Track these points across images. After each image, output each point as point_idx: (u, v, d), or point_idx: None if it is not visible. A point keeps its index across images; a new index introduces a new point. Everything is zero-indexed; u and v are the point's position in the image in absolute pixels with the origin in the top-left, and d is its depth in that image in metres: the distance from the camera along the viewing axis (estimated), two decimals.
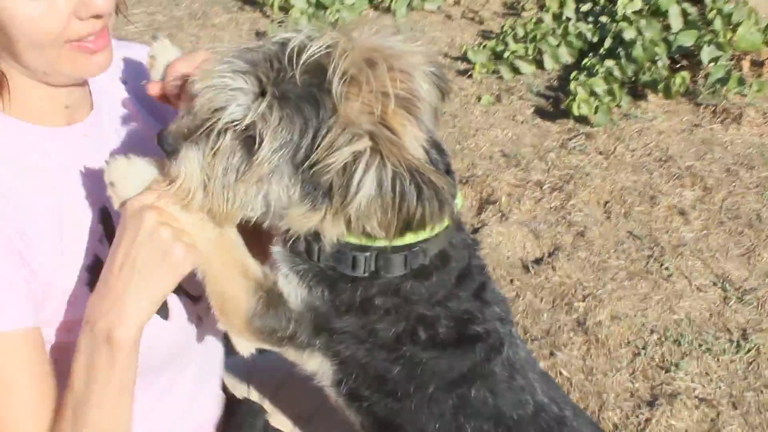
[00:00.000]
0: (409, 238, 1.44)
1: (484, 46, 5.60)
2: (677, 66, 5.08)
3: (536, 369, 1.64)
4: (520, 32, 5.58)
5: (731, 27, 5.13)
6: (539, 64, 5.40)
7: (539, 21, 5.67)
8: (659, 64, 4.95)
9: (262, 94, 1.32)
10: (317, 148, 1.31)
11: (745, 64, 5.11)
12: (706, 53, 4.94)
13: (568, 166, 4.48)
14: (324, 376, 1.59)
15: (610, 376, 3.24)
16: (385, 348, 1.51)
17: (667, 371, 3.25)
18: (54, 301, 1.48)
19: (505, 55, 5.43)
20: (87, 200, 1.57)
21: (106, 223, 1.58)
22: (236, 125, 1.34)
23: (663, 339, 3.38)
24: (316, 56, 1.31)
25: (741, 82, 4.80)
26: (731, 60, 5.01)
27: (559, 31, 5.50)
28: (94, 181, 1.55)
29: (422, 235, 1.45)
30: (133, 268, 1.36)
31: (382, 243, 1.43)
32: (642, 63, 4.95)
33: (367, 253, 1.44)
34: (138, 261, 1.36)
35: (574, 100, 4.76)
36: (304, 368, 1.61)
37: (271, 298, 1.49)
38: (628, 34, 5.15)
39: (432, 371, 1.52)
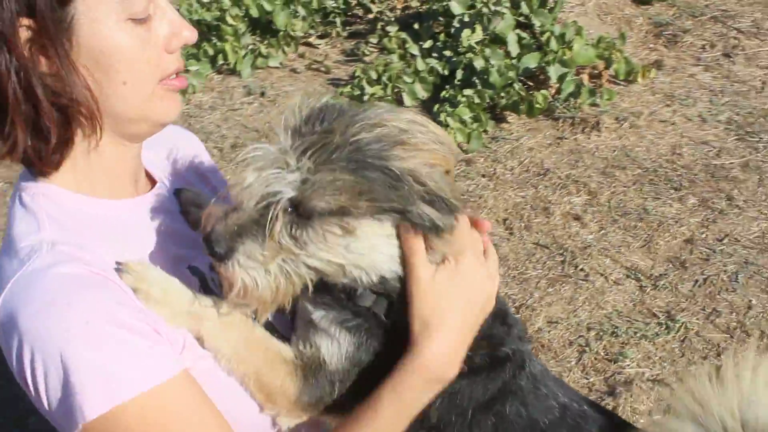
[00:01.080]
0: None
1: (341, 93, 5.72)
2: (527, 87, 5.40)
3: (551, 376, 1.77)
4: (373, 75, 5.74)
5: (566, 46, 5.53)
6: (399, 102, 5.58)
7: (388, 63, 5.86)
8: (515, 86, 5.25)
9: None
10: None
11: (585, 78, 5.51)
12: (554, 71, 5.30)
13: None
14: None
15: (566, 377, 3.38)
16: None
17: (615, 362, 3.43)
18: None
19: (365, 98, 5.57)
20: (176, 259, 1.53)
21: (200, 277, 1.55)
22: (287, 202, 1.37)
23: (601, 333, 3.58)
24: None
25: (592, 93, 5.18)
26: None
27: (410, 70, 5.71)
28: (179, 242, 1.53)
29: None
30: (464, 323, 1.52)
31: None
32: (499, 88, 5.23)
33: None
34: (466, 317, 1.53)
35: (447, 130, 4.95)
36: None
37: (311, 368, 1.54)
38: (478, 63, 5.43)
39: (470, 396, 1.62)
